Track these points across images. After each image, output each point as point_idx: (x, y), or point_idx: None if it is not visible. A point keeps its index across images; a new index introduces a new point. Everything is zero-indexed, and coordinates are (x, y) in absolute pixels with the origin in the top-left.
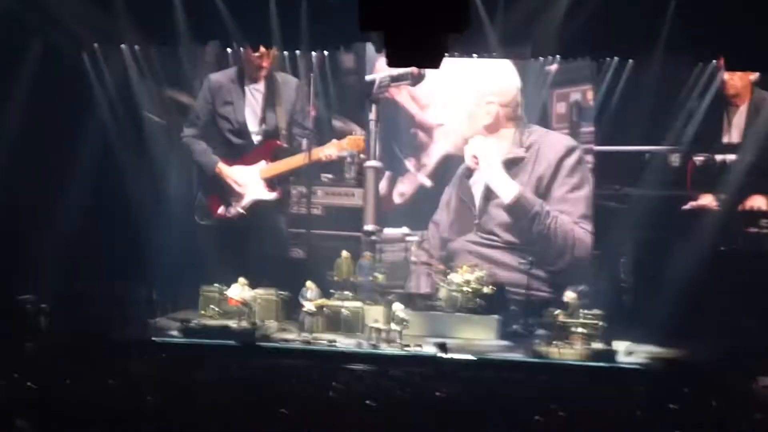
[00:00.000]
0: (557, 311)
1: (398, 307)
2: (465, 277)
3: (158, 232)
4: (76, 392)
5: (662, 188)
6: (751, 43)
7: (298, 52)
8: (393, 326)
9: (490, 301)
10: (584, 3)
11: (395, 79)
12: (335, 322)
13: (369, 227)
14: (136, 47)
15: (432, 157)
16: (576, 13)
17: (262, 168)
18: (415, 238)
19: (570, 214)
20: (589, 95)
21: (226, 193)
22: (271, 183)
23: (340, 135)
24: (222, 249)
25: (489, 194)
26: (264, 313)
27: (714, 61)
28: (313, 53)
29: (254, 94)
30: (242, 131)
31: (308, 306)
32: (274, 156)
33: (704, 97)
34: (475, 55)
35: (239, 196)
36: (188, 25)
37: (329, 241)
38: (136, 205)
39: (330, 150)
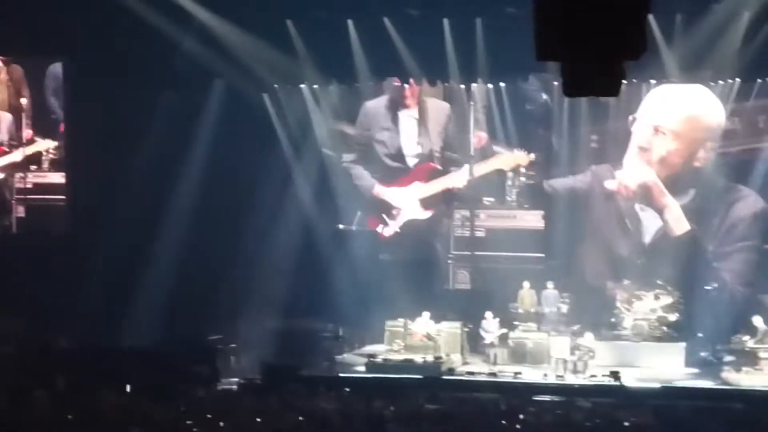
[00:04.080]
0: (745, 337)
1: (584, 337)
2: (651, 305)
3: (343, 268)
4: (268, 430)
5: None
6: None
7: (474, 84)
8: (579, 356)
9: (677, 329)
10: (764, 22)
11: None
12: (520, 353)
13: None
14: (315, 86)
15: None
16: (756, 34)
17: (418, 189)
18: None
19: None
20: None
21: (383, 213)
22: (426, 203)
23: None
24: (403, 282)
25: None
26: (449, 347)
27: None
28: (484, 84)
29: (408, 120)
30: (398, 155)
31: (489, 338)
32: (428, 177)
33: None
34: (653, 81)
35: (395, 216)
36: (366, 62)
37: (499, 264)
38: (320, 242)
39: (487, 166)
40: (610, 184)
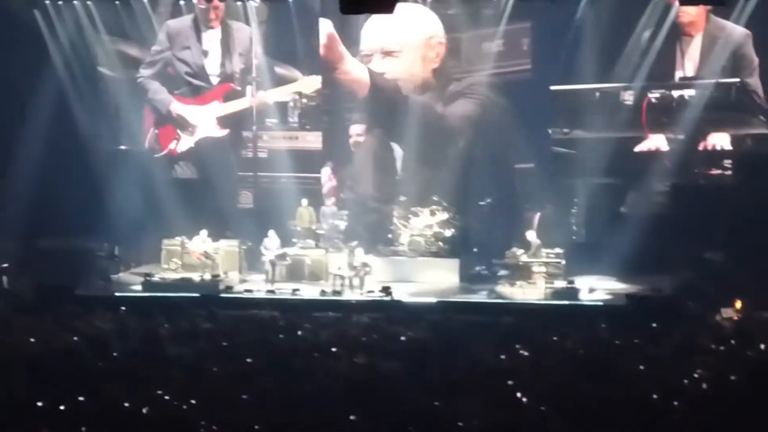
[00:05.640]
0: (519, 251)
1: (360, 254)
2: (426, 221)
3: (118, 186)
4: (42, 350)
5: (616, 129)
6: None
7: (251, 2)
8: (356, 272)
9: (453, 244)
10: None
11: None
12: (299, 270)
13: None
14: (89, 2)
15: None
16: None
17: (216, 107)
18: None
19: None
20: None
21: (178, 128)
22: (223, 122)
23: (283, 81)
24: (183, 201)
25: None
26: (227, 265)
27: None
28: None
29: (212, 39)
30: (200, 74)
31: (268, 255)
32: (226, 97)
33: (658, 30)
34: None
35: (191, 132)
36: None
37: (281, 184)
38: (94, 160)
39: (287, 89)
40: None
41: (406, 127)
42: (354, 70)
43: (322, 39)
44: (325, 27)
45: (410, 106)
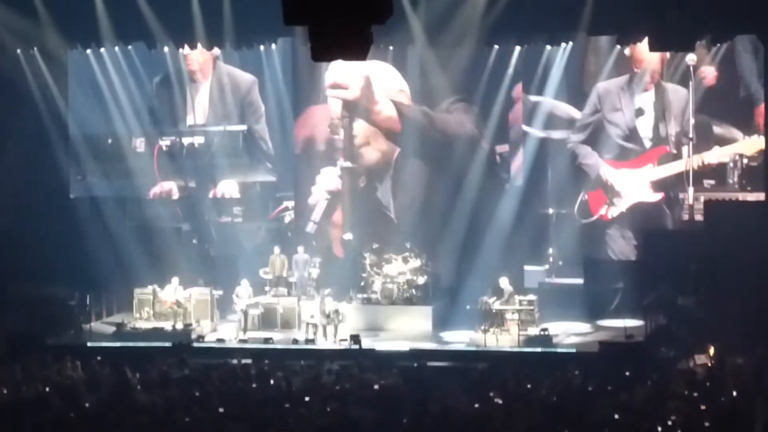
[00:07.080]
0: (492, 298)
1: (334, 302)
2: (399, 268)
3: (91, 236)
4: (12, 400)
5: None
6: None
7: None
8: (329, 321)
9: (426, 291)
10: None
11: None
12: (271, 319)
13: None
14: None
15: None
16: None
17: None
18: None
19: None
20: None
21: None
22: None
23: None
24: (154, 250)
25: None
26: (198, 313)
27: None
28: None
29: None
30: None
31: (240, 303)
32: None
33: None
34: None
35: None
36: (111, 26)
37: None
38: (67, 208)
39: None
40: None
41: (434, 143)
42: (384, 109)
43: (359, 83)
44: (361, 72)
45: (435, 120)
